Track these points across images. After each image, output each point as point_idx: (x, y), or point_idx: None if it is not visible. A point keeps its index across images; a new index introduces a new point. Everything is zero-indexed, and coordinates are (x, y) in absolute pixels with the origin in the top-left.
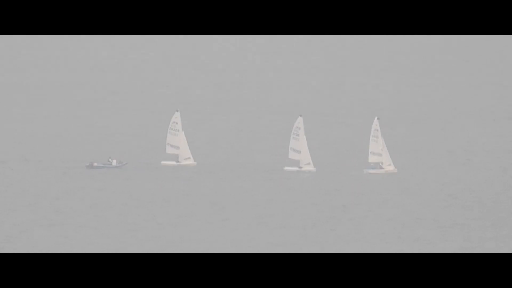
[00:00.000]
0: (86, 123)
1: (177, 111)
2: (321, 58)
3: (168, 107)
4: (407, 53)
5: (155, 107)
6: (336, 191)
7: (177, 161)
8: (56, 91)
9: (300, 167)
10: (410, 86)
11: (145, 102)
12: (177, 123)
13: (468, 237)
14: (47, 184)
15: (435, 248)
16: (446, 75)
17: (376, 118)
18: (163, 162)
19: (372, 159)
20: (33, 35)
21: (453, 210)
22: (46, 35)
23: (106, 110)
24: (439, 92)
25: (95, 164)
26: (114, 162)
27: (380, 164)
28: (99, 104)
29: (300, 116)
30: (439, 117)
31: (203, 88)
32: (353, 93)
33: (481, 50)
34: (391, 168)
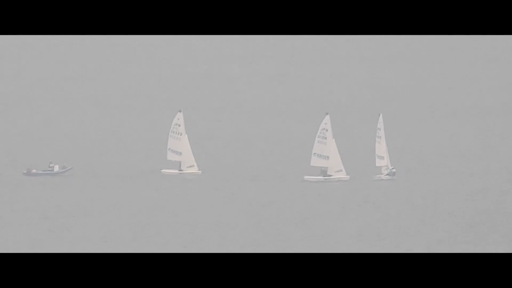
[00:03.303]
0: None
1: (180, 111)
2: (322, 57)
3: (169, 108)
4: (410, 53)
5: (154, 108)
6: (365, 200)
7: (180, 169)
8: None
9: (330, 175)
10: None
11: (141, 103)
12: (179, 125)
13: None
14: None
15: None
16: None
17: (379, 115)
18: (163, 171)
19: (379, 163)
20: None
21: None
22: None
23: (99, 112)
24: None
25: (34, 170)
26: (56, 168)
27: (391, 168)
28: (81, 106)
29: (327, 114)
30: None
31: (210, 87)
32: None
33: (485, 50)
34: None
